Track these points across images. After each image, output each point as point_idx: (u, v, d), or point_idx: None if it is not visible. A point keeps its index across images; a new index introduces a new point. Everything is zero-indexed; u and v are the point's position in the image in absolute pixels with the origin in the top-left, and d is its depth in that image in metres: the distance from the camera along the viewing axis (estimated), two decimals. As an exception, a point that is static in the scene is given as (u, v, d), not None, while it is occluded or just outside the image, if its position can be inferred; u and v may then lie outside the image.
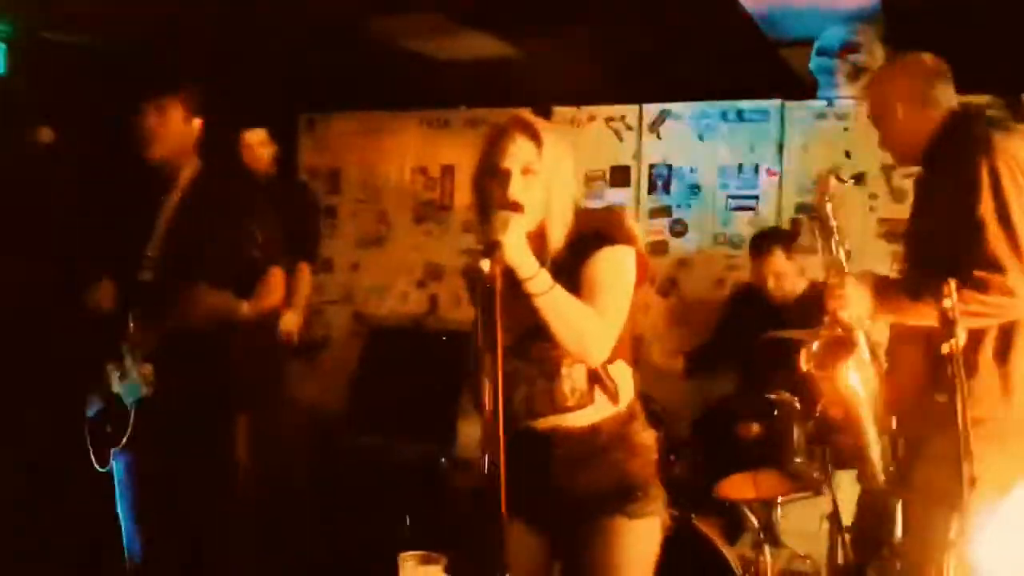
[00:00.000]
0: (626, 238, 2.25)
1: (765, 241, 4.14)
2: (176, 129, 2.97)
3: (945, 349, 1.95)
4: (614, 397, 2.29)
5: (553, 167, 2.22)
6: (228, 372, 3.04)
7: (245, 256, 2.95)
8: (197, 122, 3.03)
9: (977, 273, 2.35)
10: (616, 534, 2.26)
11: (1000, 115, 4.21)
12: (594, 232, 2.24)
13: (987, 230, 2.38)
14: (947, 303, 1.93)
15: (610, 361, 2.25)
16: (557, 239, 2.25)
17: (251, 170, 4.51)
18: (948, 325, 1.94)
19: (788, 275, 4.07)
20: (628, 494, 2.28)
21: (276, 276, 3.07)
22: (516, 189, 2.18)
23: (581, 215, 2.28)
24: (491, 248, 2.00)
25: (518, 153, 2.20)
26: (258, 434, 4.10)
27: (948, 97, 2.66)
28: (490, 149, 2.25)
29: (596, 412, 2.28)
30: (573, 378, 2.25)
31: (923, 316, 2.34)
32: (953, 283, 1.97)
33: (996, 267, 2.35)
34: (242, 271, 2.95)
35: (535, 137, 2.22)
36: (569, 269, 2.21)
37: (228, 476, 3.24)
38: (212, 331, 2.90)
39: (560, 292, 2.12)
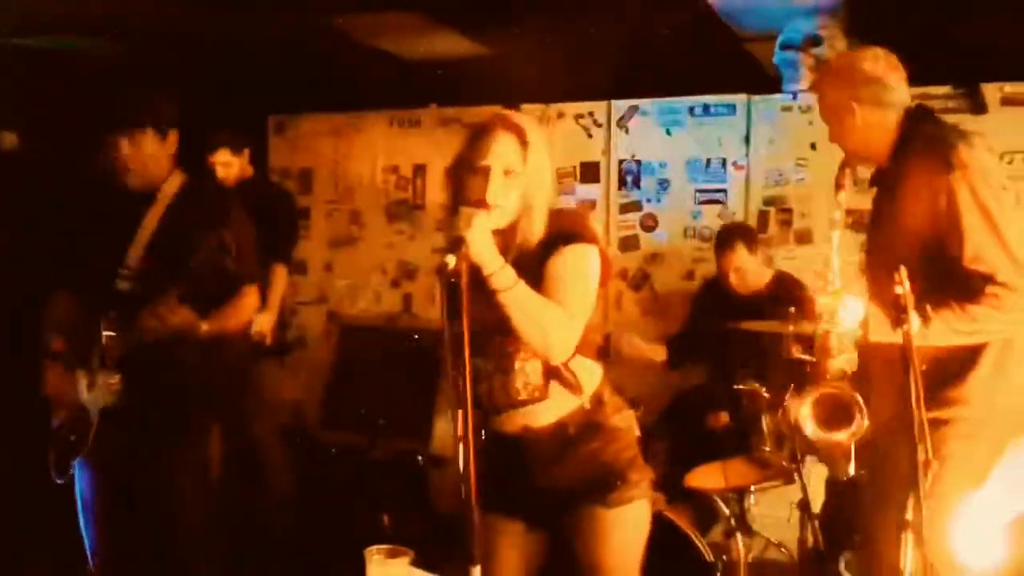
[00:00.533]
0: (589, 237, 2.28)
1: (728, 236, 4.18)
2: (151, 154, 2.96)
3: (899, 334, 1.99)
4: (575, 389, 2.29)
5: (535, 169, 2.23)
6: (199, 379, 3.04)
7: (219, 268, 2.95)
8: (172, 137, 3.02)
9: (990, 291, 2.36)
10: (596, 524, 2.29)
11: (957, 110, 4.28)
12: (558, 231, 2.26)
13: (989, 254, 2.37)
14: (899, 290, 1.98)
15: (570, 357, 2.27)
16: (531, 239, 2.26)
17: (226, 185, 4.55)
18: (900, 311, 1.98)
19: (750, 270, 4.11)
20: (605, 483, 2.29)
21: (249, 295, 3.07)
22: (493, 188, 2.18)
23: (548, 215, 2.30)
24: (456, 243, 2.01)
25: (502, 152, 2.21)
26: (232, 439, 4.15)
27: (902, 94, 2.64)
28: (473, 143, 2.24)
29: (560, 407, 2.30)
30: (526, 372, 2.27)
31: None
32: (904, 270, 2.01)
33: (1006, 285, 2.36)
34: (216, 283, 2.95)
35: (522, 138, 2.22)
36: (534, 267, 2.22)
37: (202, 483, 3.24)
38: (181, 340, 2.90)
39: (524, 288, 2.14)
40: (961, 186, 2.39)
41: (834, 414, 2.37)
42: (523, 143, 2.22)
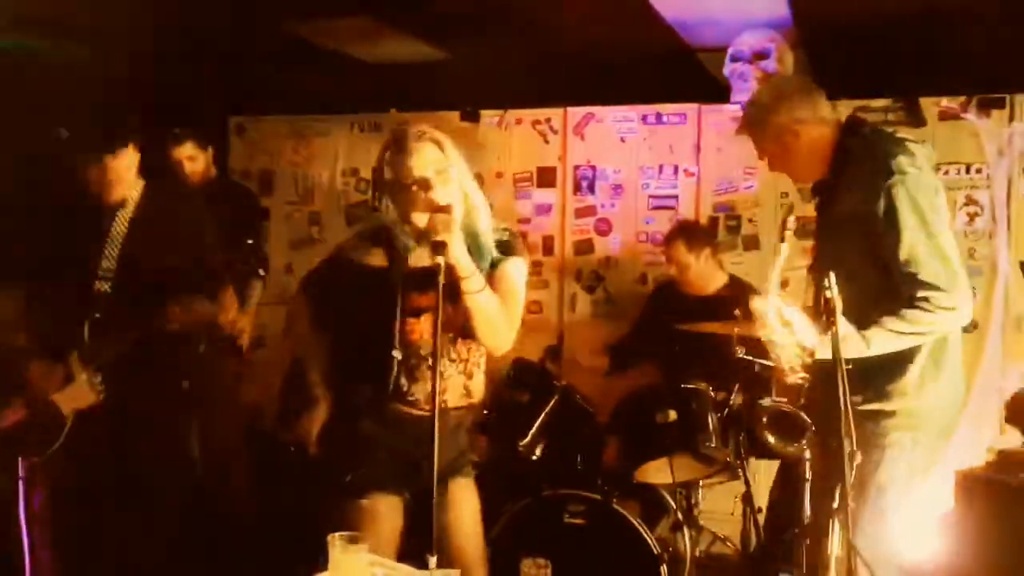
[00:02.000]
0: (522, 250, 2.59)
1: (671, 233, 4.38)
2: (124, 167, 3.06)
3: (828, 335, 2.13)
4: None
5: (459, 166, 2.42)
6: (182, 378, 3.10)
7: (206, 267, 3.02)
8: (137, 150, 3.10)
9: (920, 294, 2.48)
10: (463, 490, 2.58)
11: (896, 123, 4.44)
12: (498, 243, 2.50)
13: (919, 255, 2.50)
14: (828, 294, 2.12)
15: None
16: (485, 232, 2.45)
17: (191, 182, 4.56)
18: (830, 314, 2.12)
19: (690, 267, 4.26)
20: (466, 460, 2.64)
21: (229, 293, 3.16)
22: (440, 194, 2.33)
23: None
24: (439, 247, 2.20)
25: (428, 160, 2.37)
26: (207, 437, 4.21)
27: (829, 109, 2.80)
28: (394, 163, 2.39)
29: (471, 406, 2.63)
30: (479, 378, 2.58)
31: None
32: (833, 275, 2.14)
33: (935, 287, 2.48)
34: (202, 281, 3.01)
35: (436, 143, 2.41)
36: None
37: (180, 482, 3.29)
38: (167, 339, 2.96)
39: (488, 294, 2.36)
40: (899, 191, 2.52)
41: (786, 427, 2.47)
42: (439, 146, 2.41)
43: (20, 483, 3.01)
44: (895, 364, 2.60)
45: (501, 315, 2.42)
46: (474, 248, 2.40)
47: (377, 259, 2.46)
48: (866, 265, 2.60)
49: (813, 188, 2.93)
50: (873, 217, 2.56)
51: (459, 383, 2.53)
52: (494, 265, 2.48)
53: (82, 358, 2.96)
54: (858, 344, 2.46)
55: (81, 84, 3.68)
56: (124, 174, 3.05)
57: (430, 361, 2.39)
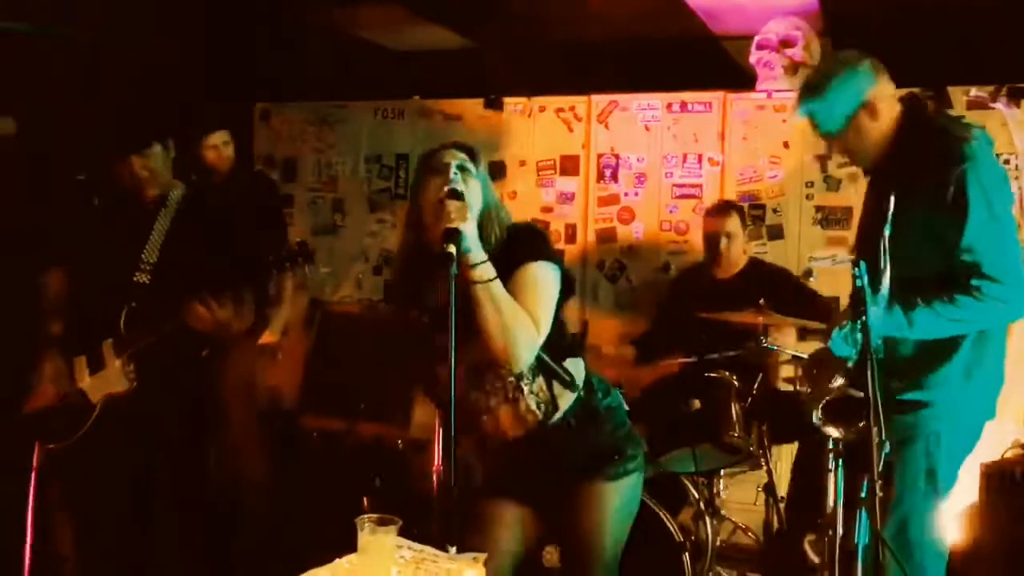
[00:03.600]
0: (553, 256, 2.38)
1: (724, 205, 4.36)
2: (159, 166, 3.11)
3: (859, 324, 2.11)
4: (572, 387, 2.40)
5: (484, 176, 2.39)
6: (212, 372, 3.13)
7: (237, 268, 3.05)
8: (172, 148, 3.15)
9: (975, 282, 2.44)
10: (599, 498, 2.42)
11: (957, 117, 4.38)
12: (524, 245, 2.36)
13: (982, 243, 2.45)
14: (858, 283, 2.10)
15: (562, 358, 2.40)
16: (495, 238, 2.36)
17: (218, 171, 4.58)
18: (860, 303, 2.11)
19: (738, 240, 4.24)
20: (604, 460, 2.42)
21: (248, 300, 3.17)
22: (457, 181, 2.30)
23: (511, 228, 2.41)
24: (451, 235, 2.15)
25: (455, 155, 2.36)
26: (232, 427, 4.25)
27: (893, 92, 2.71)
28: (428, 161, 2.37)
29: (562, 407, 2.41)
30: (534, 391, 2.37)
31: None
32: (864, 264, 2.13)
33: (992, 278, 2.44)
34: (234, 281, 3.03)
35: (468, 150, 2.39)
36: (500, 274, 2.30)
37: (205, 470, 3.32)
38: (200, 335, 2.98)
39: (499, 285, 2.24)
40: (971, 176, 2.46)
41: (842, 413, 2.42)
42: (471, 153, 2.38)
43: (33, 473, 3.04)
44: (938, 354, 2.57)
45: (517, 315, 2.23)
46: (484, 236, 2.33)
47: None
48: (926, 248, 2.54)
49: (867, 170, 2.85)
50: (940, 200, 2.50)
51: (506, 411, 2.40)
52: (519, 265, 2.32)
53: (116, 346, 2.98)
54: (900, 324, 2.44)
55: (110, 73, 3.70)
56: (156, 172, 3.09)
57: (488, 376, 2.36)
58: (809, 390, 2.62)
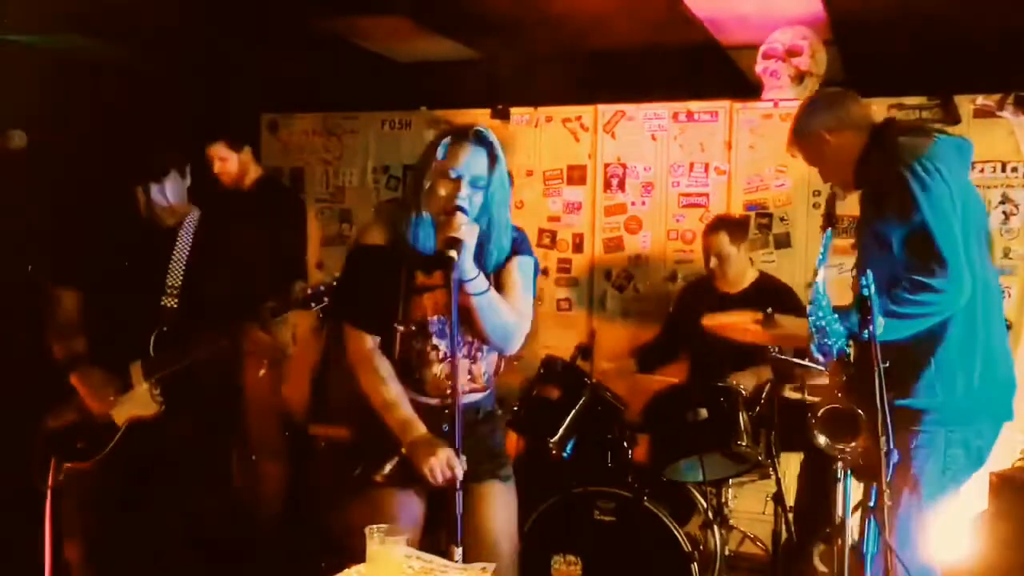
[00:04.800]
0: (530, 249, 2.64)
1: (714, 223, 4.34)
2: (178, 193, 3.13)
3: (865, 334, 2.12)
4: (490, 382, 2.68)
5: (499, 184, 2.47)
6: (235, 397, 3.14)
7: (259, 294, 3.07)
8: (188, 172, 3.18)
9: (906, 276, 2.50)
10: (494, 495, 2.60)
11: (931, 120, 4.42)
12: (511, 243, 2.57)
13: (908, 235, 2.54)
14: (865, 292, 2.11)
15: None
16: (501, 249, 2.53)
17: (223, 183, 4.59)
18: (867, 312, 2.11)
19: (730, 257, 4.24)
20: (498, 461, 2.65)
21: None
22: (463, 196, 2.41)
23: None
24: (453, 243, 2.29)
25: (471, 163, 2.43)
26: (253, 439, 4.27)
27: (864, 115, 2.87)
28: (446, 152, 2.45)
29: (478, 394, 2.63)
30: (488, 362, 2.63)
31: None
32: (871, 273, 2.13)
33: (921, 268, 2.50)
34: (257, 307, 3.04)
35: (491, 153, 2.44)
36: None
37: (228, 495, 3.34)
38: (224, 360, 3.02)
39: (494, 293, 2.45)
40: (905, 175, 2.57)
41: (840, 426, 2.44)
42: (492, 158, 2.45)
43: (49, 492, 3.03)
44: (916, 359, 2.60)
45: (507, 314, 2.49)
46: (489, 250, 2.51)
47: (378, 237, 2.53)
48: (882, 252, 2.62)
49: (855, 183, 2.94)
50: (879, 202, 2.65)
51: (463, 367, 2.54)
52: (502, 263, 2.55)
53: (145, 369, 2.98)
54: (854, 324, 2.46)
55: (118, 86, 3.73)
56: (173, 200, 3.11)
57: (433, 341, 2.52)
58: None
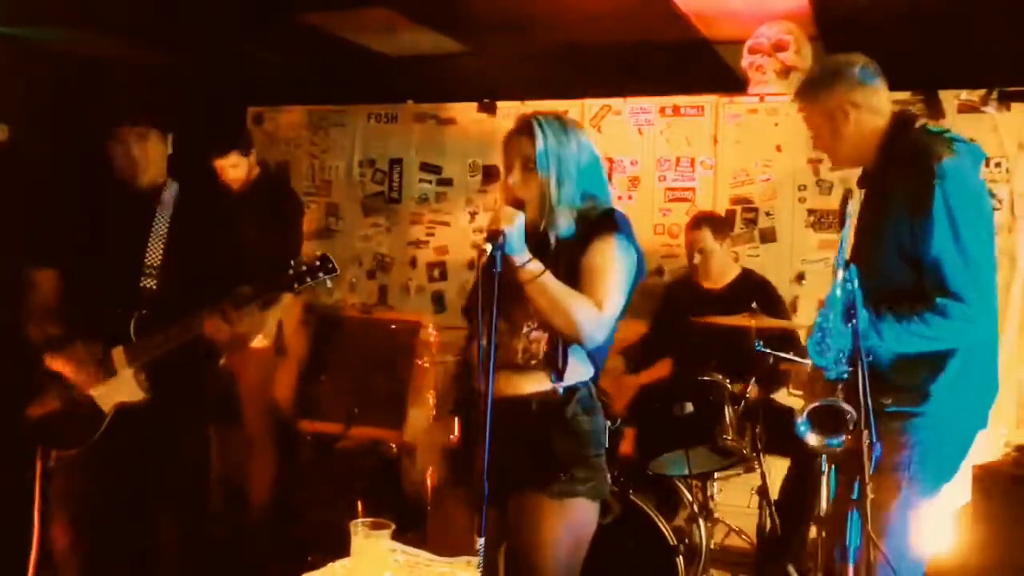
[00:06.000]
0: (619, 229, 2.45)
1: (697, 219, 4.35)
2: (154, 151, 3.04)
3: (828, 330, 2.12)
4: (559, 375, 2.40)
5: (553, 162, 2.41)
6: (219, 381, 3.10)
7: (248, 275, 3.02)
8: (169, 139, 3.10)
9: (940, 301, 2.45)
10: (536, 512, 2.37)
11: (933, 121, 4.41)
12: (591, 226, 2.44)
13: (947, 261, 2.46)
14: (849, 286, 2.12)
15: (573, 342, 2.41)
16: (561, 227, 2.44)
17: (232, 188, 4.56)
18: (852, 310, 2.12)
19: (713, 253, 4.25)
20: (552, 473, 2.37)
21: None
22: (516, 183, 2.44)
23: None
24: (494, 236, 2.27)
25: (517, 149, 2.46)
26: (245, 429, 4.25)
27: (888, 101, 2.73)
28: (503, 148, 2.52)
29: (534, 384, 2.42)
30: (530, 340, 2.41)
31: None
32: (855, 268, 2.14)
33: (958, 297, 2.45)
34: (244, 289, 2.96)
35: (530, 135, 2.43)
36: (567, 259, 2.42)
37: (206, 479, 3.31)
38: (209, 344, 2.95)
39: (549, 278, 2.34)
40: (938, 194, 2.47)
41: (828, 422, 2.42)
42: (531, 138, 2.43)
43: (37, 477, 3.00)
44: (929, 369, 2.57)
45: (569, 300, 2.33)
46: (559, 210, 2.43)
47: None
48: (900, 262, 2.56)
49: (859, 181, 2.88)
50: (910, 215, 2.52)
51: (521, 343, 2.44)
52: (586, 242, 2.42)
53: (128, 355, 2.92)
54: (869, 333, 2.42)
55: (105, 74, 3.69)
56: (151, 160, 3.02)
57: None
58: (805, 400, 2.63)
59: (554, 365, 2.41)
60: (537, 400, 2.41)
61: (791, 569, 3.80)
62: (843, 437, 2.26)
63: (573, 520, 2.39)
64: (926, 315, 2.47)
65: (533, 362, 2.42)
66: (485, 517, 2.09)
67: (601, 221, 2.45)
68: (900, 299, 2.50)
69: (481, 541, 2.05)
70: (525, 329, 2.42)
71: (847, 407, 2.21)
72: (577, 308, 2.33)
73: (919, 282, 2.52)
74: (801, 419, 2.34)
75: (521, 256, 2.33)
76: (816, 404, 2.30)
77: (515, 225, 2.30)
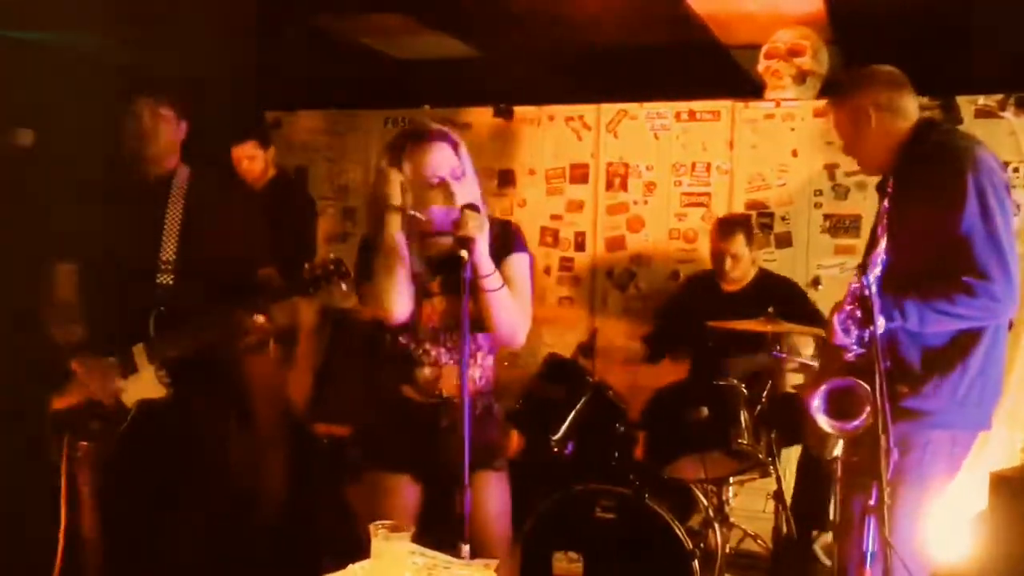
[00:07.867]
0: (525, 246, 2.69)
1: (731, 224, 4.34)
2: (167, 130, 3.03)
3: (867, 333, 2.13)
4: (487, 383, 2.71)
5: (470, 171, 2.56)
6: (240, 380, 3.12)
7: (265, 271, 3.04)
8: (183, 126, 3.09)
9: (966, 279, 2.49)
10: (485, 484, 2.61)
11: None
12: (506, 239, 2.62)
13: (975, 240, 2.51)
14: (867, 292, 2.12)
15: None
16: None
17: (247, 181, 4.59)
18: (867, 312, 2.13)
19: (744, 259, 4.26)
20: (491, 452, 2.66)
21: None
22: (461, 193, 2.48)
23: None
24: (465, 242, 2.31)
25: (444, 162, 2.51)
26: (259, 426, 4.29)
27: (914, 107, 2.79)
28: (414, 158, 2.52)
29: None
30: (483, 367, 2.68)
31: None
32: (872, 275, 2.15)
33: (984, 275, 2.49)
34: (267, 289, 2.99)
35: (453, 145, 2.54)
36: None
37: (226, 477, 3.33)
38: (231, 339, 2.98)
39: (506, 290, 2.49)
40: (969, 177, 2.53)
41: (843, 406, 2.43)
42: (455, 149, 2.55)
43: (63, 465, 2.99)
44: (947, 364, 2.60)
45: (517, 312, 2.56)
46: None
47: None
48: (923, 246, 2.59)
49: (879, 187, 2.86)
50: (942, 205, 2.57)
51: (453, 372, 2.58)
52: (504, 257, 2.57)
53: (148, 352, 2.93)
54: (893, 313, 2.47)
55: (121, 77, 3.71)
56: (164, 139, 3.01)
57: (427, 345, 2.59)
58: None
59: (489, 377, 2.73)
60: (478, 404, 2.65)
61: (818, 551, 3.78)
62: (858, 421, 2.28)
63: (506, 486, 2.74)
64: (951, 294, 2.51)
65: (485, 384, 2.70)
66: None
67: (512, 236, 2.65)
68: (921, 279, 2.53)
69: (467, 549, 2.16)
70: (479, 359, 2.66)
71: (864, 385, 2.23)
72: (520, 318, 2.57)
73: (939, 263, 2.56)
74: (817, 401, 2.36)
75: (487, 267, 2.43)
76: (832, 385, 2.33)
77: (484, 233, 2.38)
